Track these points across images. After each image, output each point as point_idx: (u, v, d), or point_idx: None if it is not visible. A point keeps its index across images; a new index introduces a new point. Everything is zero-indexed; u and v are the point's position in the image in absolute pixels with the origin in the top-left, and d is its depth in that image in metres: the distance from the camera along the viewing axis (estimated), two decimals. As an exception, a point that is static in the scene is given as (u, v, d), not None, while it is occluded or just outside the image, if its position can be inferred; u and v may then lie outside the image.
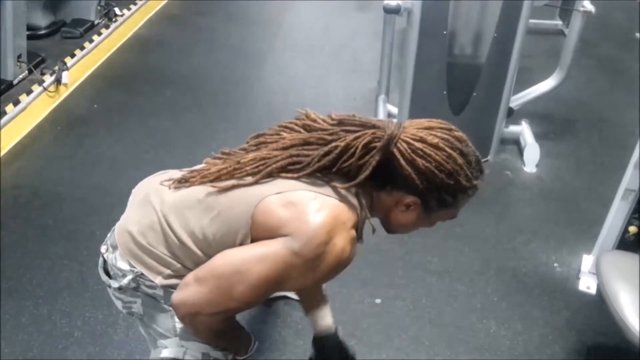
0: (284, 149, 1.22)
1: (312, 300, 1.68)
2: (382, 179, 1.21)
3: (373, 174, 1.19)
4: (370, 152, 1.17)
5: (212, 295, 1.17)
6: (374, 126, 1.20)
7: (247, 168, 1.21)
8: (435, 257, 2.50)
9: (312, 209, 1.14)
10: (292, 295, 2.20)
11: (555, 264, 2.50)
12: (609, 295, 1.75)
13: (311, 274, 1.16)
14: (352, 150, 1.17)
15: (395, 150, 1.16)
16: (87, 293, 2.22)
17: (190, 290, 1.18)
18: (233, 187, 1.20)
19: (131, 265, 1.27)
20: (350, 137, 1.18)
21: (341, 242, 1.14)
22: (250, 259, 1.15)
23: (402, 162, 1.16)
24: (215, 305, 1.18)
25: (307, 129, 1.26)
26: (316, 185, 1.18)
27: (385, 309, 2.25)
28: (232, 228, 1.18)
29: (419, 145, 1.16)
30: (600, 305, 2.04)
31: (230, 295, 1.16)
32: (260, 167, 1.20)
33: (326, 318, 1.68)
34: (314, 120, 1.26)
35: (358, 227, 1.22)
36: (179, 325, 1.31)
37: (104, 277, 1.35)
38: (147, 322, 1.37)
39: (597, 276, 1.86)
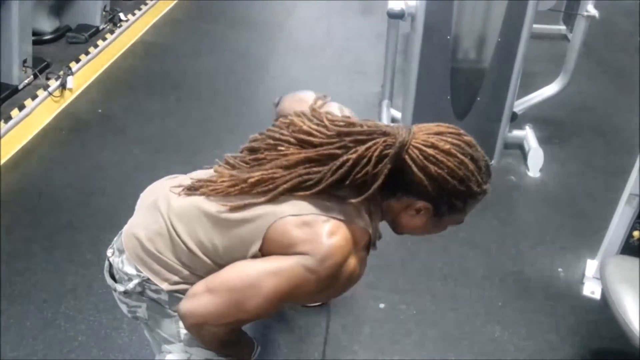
0: (289, 167, 1.20)
1: None
2: (391, 186, 1.19)
3: (384, 182, 1.17)
4: (383, 160, 1.15)
5: (224, 307, 1.17)
6: (384, 133, 1.17)
7: (257, 189, 1.20)
8: (439, 262, 2.49)
9: (326, 232, 1.14)
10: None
11: (560, 269, 2.50)
12: (613, 300, 1.74)
13: (322, 291, 1.18)
14: (365, 160, 1.15)
15: (406, 156, 1.15)
16: (92, 297, 2.23)
17: (200, 300, 1.18)
18: (245, 206, 1.19)
19: (138, 270, 1.27)
20: (362, 148, 1.15)
21: (353, 263, 1.16)
22: (265, 273, 1.15)
23: (414, 168, 1.14)
24: (225, 316, 1.18)
25: (307, 142, 1.21)
26: (327, 208, 1.17)
27: (389, 314, 2.25)
28: (243, 243, 1.18)
29: (430, 151, 1.14)
30: (604, 310, 2.03)
31: (243, 308, 1.16)
32: (270, 187, 1.19)
33: None
34: (309, 134, 1.21)
35: (370, 242, 1.23)
36: (183, 330, 1.31)
37: (110, 281, 1.35)
38: (151, 326, 1.37)
39: (602, 281, 1.86)
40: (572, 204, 2.91)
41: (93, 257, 2.39)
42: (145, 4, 4.76)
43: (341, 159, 1.16)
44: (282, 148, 1.23)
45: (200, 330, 1.22)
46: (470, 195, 1.19)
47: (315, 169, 1.18)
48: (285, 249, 1.15)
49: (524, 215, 2.87)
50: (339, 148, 1.17)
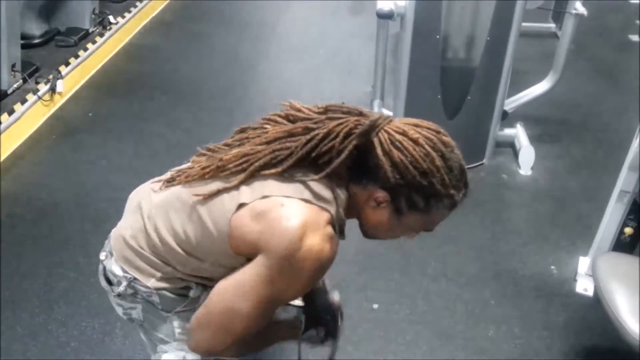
0: (267, 143, 1.19)
1: None
2: (358, 171, 1.17)
3: (352, 164, 1.16)
4: (349, 137, 1.14)
5: (215, 336, 1.18)
6: (360, 114, 1.19)
7: (230, 166, 1.18)
8: (432, 262, 2.49)
9: (282, 218, 1.10)
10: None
11: (552, 267, 2.51)
12: (605, 297, 1.75)
13: (298, 282, 1.14)
14: (333, 135, 1.14)
15: (375, 139, 1.14)
16: (84, 302, 2.22)
17: (196, 337, 1.21)
18: (218, 192, 1.17)
19: (124, 271, 1.27)
20: (334, 123, 1.15)
21: (317, 242, 1.10)
22: (238, 294, 1.14)
23: (379, 151, 1.12)
24: (221, 343, 1.19)
25: (292, 119, 1.23)
26: (288, 189, 1.14)
27: (383, 314, 2.25)
28: (211, 235, 1.17)
29: (399, 137, 1.13)
30: (597, 307, 2.04)
31: (232, 332, 1.17)
32: (244, 165, 1.17)
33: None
34: (299, 110, 1.23)
35: (334, 222, 1.17)
36: (178, 330, 1.31)
37: (104, 284, 1.35)
38: (147, 327, 1.37)
39: (594, 278, 1.86)
40: (563, 202, 2.92)
41: (84, 261, 2.38)
42: (135, 7, 4.75)
43: (312, 133, 1.15)
44: (268, 126, 1.23)
45: (217, 355, 1.24)
46: (433, 194, 1.14)
47: (288, 144, 1.16)
48: (250, 247, 1.13)
49: (515, 213, 2.88)
50: (315, 123, 1.18)
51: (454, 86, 2.91)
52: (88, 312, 2.17)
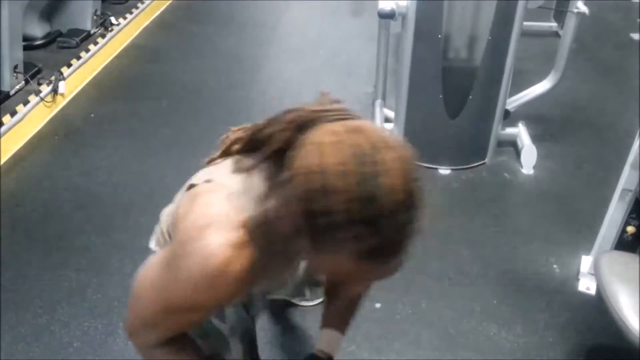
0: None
1: (333, 317, 1.52)
2: None
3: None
4: (288, 126, 0.96)
5: (130, 311, 1.13)
6: (316, 106, 0.98)
7: (227, 141, 1.19)
8: (435, 261, 2.49)
9: (200, 204, 1.01)
10: (295, 300, 2.20)
11: (555, 265, 2.50)
12: (607, 295, 1.74)
13: (184, 281, 0.96)
14: (278, 123, 0.99)
15: (306, 135, 0.90)
16: (86, 303, 2.22)
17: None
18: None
19: (155, 246, 1.35)
20: (291, 111, 0.98)
21: (214, 242, 0.93)
22: (146, 270, 1.10)
23: (294, 151, 0.88)
24: (131, 323, 1.13)
25: None
26: (232, 176, 1.05)
27: (385, 314, 2.25)
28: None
29: (317, 138, 0.87)
30: (600, 306, 2.04)
31: (136, 311, 1.11)
32: (226, 142, 1.17)
33: (333, 343, 1.50)
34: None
35: (251, 226, 0.97)
36: None
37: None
38: None
39: (596, 277, 1.86)
40: (565, 200, 2.92)
41: (87, 262, 2.38)
42: (137, 8, 4.75)
43: (270, 118, 1.03)
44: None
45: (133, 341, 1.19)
46: (325, 228, 0.81)
47: (261, 127, 1.05)
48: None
49: (518, 212, 2.88)
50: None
51: (456, 86, 2.91)
52: (91, 313, 2.18)
